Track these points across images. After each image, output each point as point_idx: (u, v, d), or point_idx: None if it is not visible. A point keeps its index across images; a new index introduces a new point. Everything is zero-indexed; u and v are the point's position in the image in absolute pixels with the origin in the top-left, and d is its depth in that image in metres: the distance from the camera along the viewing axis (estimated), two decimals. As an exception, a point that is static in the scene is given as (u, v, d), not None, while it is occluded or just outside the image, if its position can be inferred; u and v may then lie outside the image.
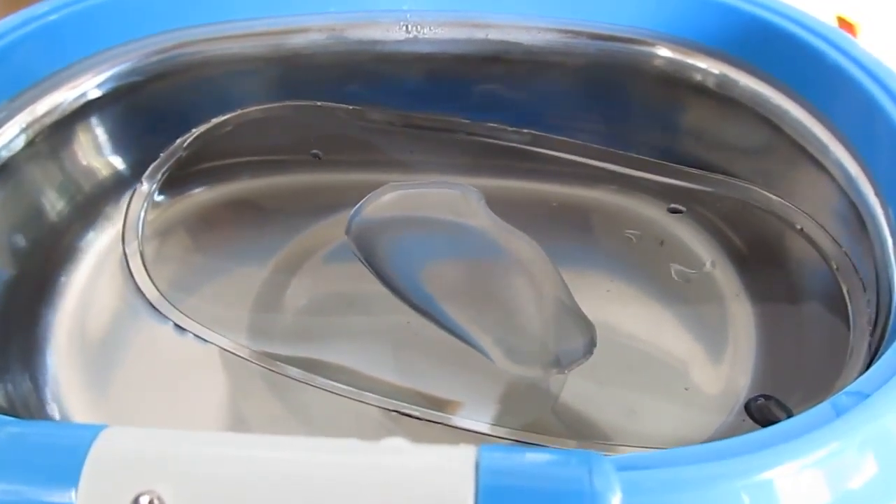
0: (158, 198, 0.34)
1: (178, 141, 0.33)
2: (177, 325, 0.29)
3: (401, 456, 0.16)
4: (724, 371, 0.29)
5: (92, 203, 0.32)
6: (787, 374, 0.29)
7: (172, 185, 0.34)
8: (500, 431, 0.27)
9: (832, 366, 0.26)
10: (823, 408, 0.19)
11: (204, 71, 0.33)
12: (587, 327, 0.28)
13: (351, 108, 0.35)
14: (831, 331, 0.28)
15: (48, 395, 0.28)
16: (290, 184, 0.35)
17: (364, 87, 0.34)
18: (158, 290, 0.30)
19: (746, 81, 0.31)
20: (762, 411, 0.27)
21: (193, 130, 0.33)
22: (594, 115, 0.35)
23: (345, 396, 0.28)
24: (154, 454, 0.16)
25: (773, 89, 0.31)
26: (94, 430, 0.16)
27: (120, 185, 0.33)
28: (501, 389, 0.29)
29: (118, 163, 0.33)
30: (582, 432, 0.28)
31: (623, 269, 0.32)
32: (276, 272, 0.32)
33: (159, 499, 0.15)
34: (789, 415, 0.26)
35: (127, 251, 0.31)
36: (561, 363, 0.28)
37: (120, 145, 0.33)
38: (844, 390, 0.19)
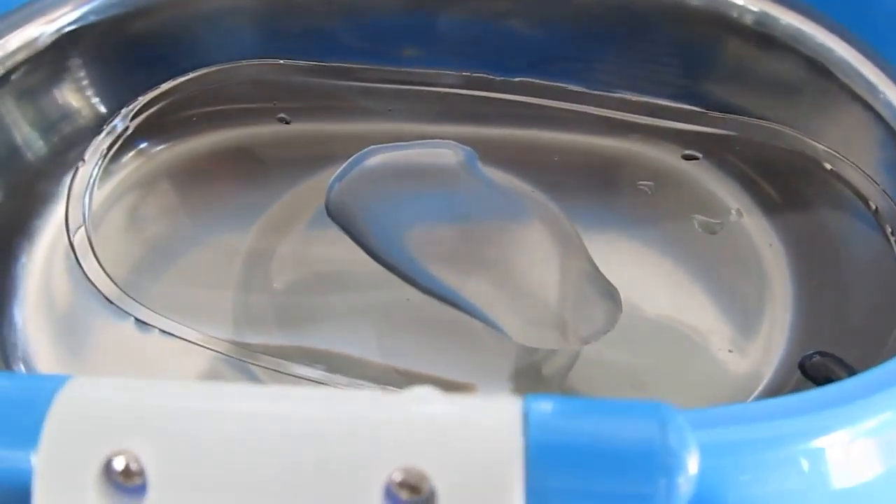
0: (142, 145, 0.31)
1: (124, 111, 0.30)
2: (138, 321, 0.26)
3: (431, 406, 0.13)
4: (761, 332, 0.27)
5: (71, 146, 0.29)
6: (831, 329, 0.26)
7: (151, 133, 0.31)
8: None
9: (883, 317, 0.24)
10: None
11: (193, 4, 0.30)
12: (610, 291, 0.25)
13: (323, 65, 0.32)
14: (877, 278, 0.26)
15: (16, 352, 0.25)
16: (266, 139, 0.32)
17: (355, 30, 0.31)
18: (115, 283, 0.27)
19: (789, 19, 0.28)
20: (819, 369, 0.24)
21: (140, 98, 0.30)
22: (609, 57, 0.32)
23: (340, 387, 0.25)
24: (130, 406, 0.13)
25: (819, 26, 0.28)
26: (57, 381, 0.14)
27: (101, 127, 0.30)
28: (505, 366, 0.26)
29: (99, 104, 0.30)
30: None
31: (639, 225, 0.29)
32: (258, 241, 0.29)
33: (136, 460, 0.12)
34: (851, 373, 0.23)
35: (73, 241, 0.27)
36: (582, 333, 0.25)
37: (101, 85, 0.30)
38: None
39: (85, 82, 0.30)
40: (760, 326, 0.27)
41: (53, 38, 0.28)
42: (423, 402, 0.13)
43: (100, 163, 0.29)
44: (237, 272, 0.28)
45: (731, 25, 0.30)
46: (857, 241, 0.27)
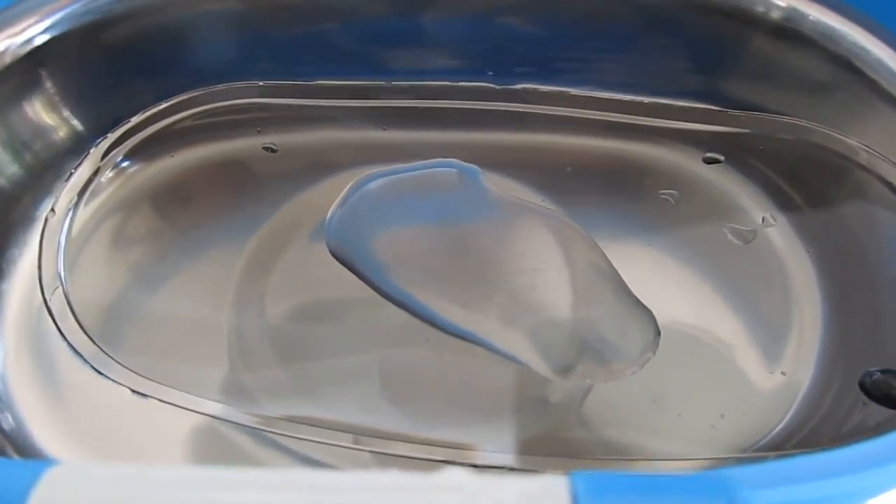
0: (124, 164, 0.29)
1: (93, 151, 0.28)
2: (134, 391, 0.23)
3: (467, 495, 0.11)
4: (792, 346, 0.25)
5: (47, 166, 0.27)
6: (869, 343, 0.25)
7: (131, 154, 0.29)
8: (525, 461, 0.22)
9: None
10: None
11: (171, 9, 0.28)
12: (645, 316, 0.23)
13: (310, 84, 0.30)
14: None
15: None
16: (253, 156, 0.30)
17: (345, 40, 0.29)
18: (103, 350, 0.24)
19: (818, 15, 0.27)
20: (880, 387, 0.23)
21: (109, 134, 0.28)
22: (619, 56, 0.30)
23: (348, 447, 0.22)
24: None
25: (851, 23, 0.26)
26: (34, 471, 0.12)
27: (78, 146, 0.28)
28: (521, 397, 0.24)
29: (75, 120, 0.28)
30: (613, 442, 0.23)
31: (663, 236, 0.28)
32: (249, 268, 0.27)
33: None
34: None
35: (48, 300, 0.25)
36: (617, 365, 0.22)
37: (77, 100, 0.28)
38: None
39: (58, 98, 0.27)
40: (790, 339, 0.26)
41: (22, 51, 0.26)
42: (458, 490, 0.11)
43: (71, 212, 0.27)
44: (229, 310, 0.26)
45: (755, 21, 0.28)
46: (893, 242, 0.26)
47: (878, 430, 0.21)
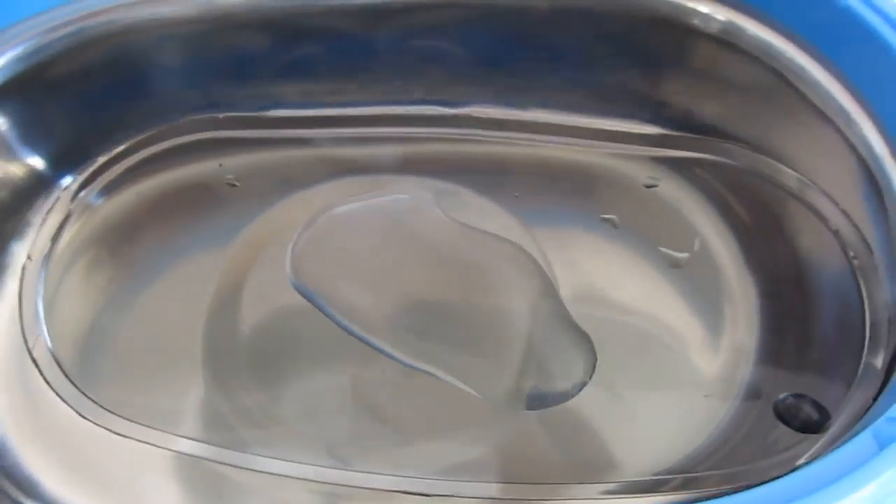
0: (93, 202, 0.29)
1: (62, 195, 0.28)
2: (114, 432, 0.24)
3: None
4: (719, 371, 0.27)
5: (11, 211, 0.28)
6: (795, 359, 0.26)
7: (95, 189, 0.29)
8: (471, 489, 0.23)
9: (848, 350, 0.24)
10: (864, 439, 0.17)
11: (123, 40, 0.27)
12: (582, 339, 0.25)
13: (265, 116, 0.30)
14: (844, 309, 0.26)
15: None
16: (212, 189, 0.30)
17: (305, 61, 0.29)
18: (89, 397, 0.25)
19: (755, 30, 0.27)
20: (791, 411, 0.24)
21: (68, 182, 0.28)
22: (562, 71, 0.30)
23: (332, 484, 0.24)
24: None
25: (785, 40, 0.27)
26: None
27: (40, 187, 0.28)
28: (482, 410, 0.25)
29: (35, 161, 0.28)
30: (575, 445, 0.25)
31: (605, 257, 0.29)
32: (219, 291, 0.27)
33: None
34: (823, 414, 0.23)
35: (35, 356, 0.25)
36: (559, 389, 0.24)
37: (34, 141, 0.28)
38: (886, 415, 0.18)
39: (16, 144, 0.27)
40: (721, 361, 0.27)
41: None
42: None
43: (45, 258, 0.28)
44: (202, 334, 0.27)
45: (695, 35, 0.28)
46: (825, 270, 0.27)
47: (785, 453, 0.22)
